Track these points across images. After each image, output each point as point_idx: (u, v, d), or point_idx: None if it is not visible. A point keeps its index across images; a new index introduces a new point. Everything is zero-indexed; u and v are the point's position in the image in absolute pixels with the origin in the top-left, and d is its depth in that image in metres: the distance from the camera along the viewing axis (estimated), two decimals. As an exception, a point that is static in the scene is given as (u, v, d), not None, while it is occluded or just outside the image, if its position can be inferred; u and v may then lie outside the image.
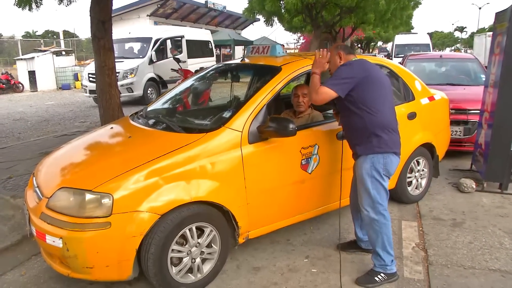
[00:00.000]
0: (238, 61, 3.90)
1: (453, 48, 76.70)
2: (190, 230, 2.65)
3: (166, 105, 3.98)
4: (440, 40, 78.70)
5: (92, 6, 5.69)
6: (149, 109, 3.83)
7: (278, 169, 2.99)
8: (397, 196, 4.13)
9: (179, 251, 2.64)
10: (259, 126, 2.85)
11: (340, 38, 20.46)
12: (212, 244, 2.81)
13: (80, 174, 2.71)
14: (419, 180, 4.35)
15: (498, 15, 4.80)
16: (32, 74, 19.86)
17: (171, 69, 10.41)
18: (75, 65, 21.98)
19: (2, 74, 19.37)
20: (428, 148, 4.29)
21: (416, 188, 4.34)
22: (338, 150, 3.28)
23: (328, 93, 2.68)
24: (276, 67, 3.26)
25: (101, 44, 5.69)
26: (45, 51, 21.55)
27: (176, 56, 10.90)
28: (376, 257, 2.89)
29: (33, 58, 20.01)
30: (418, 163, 4.25)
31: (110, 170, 2.57)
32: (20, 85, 19.63)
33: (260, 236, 3.14)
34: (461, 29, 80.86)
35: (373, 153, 2.75)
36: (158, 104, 3.97)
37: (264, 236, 3.19)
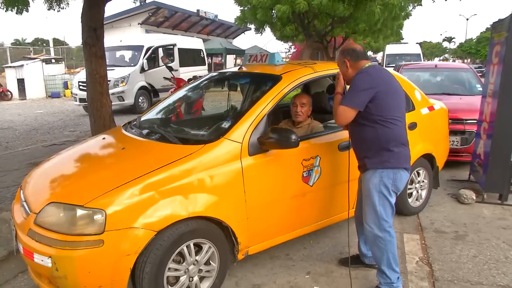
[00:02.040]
0: (236, 69, 3.78)
1: (441, 58, 77.69)
2: (187, 247, 2.51)
3: (161, 115, 3.85)
4: (429, 50, 79.63)
5: (83, 12, 5.56)
6: (143, 118, 3.70)
7: (279, 181, 2.87)
8: (398, 208, 3.99)
9: (176, 270, 2.49)
10: (259, 137, 2.74)
11: (331, 48, 20.52)
12: (211, 261, 2.67)
13: (71, 188, 2.56)
14: (419, 191, 4.26)
15: (496, 25, 4.77)
16: (21, 82, 19.54)
17: (164, 77, 10.29)
18: (65, 73, 21.71)
19: (-10, 82, 19.06)
20: (428, 159, 4.21)
21: (416, 199, 4.25)
22: (340, 161, 3.18)
23: (347, 112, 2.56)
24: (277, 75, 3.15)
25: (93, 51, 5.55)
26: (34, 58, 21.28)
27: (168, 65, 10.76)
28: (382, 275, 2.77)
29: (22, 66, 19.72)
30: (418, 174, 4.17)
31: (103, 184, 2.43)
32: (9, 93, 19.32)
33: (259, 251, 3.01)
34: (449, 39, 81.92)
35: (384, 168, 2.62)
36: (152, 114, 3.83)
37: (263, 251, 3.06)
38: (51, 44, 30.33)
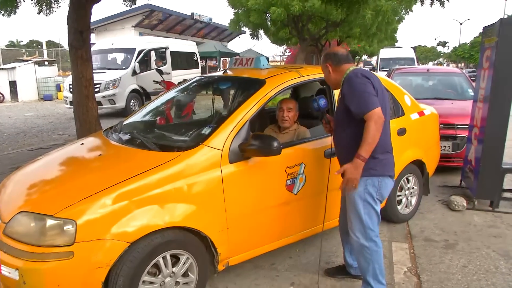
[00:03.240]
0: (220, 73, 3.68)
1: (435, 62, 78.11)
2: (163, 258, 2.40)
3: (144, 119, 3.74)
4: (423, 54, 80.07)
5: (69, 14, 5.46)
6: (125, 122, 3.59)
7: (261, 190, 2.77)
8: (387, 215, 3.94)
9: (151, 283, 2.38)
10: (241, 144, 2.64)
11: (325, 51, 20.48)
12: (189, 273, 2.56)
13: (42, 197, 2.44)
14: (409, 198, 4.18)
15: (486, 29, 4.71)
16: (13, 84, 19.42)
17: (154, 81, 10.18)
18: (58, 76, 21.56)
19: (-19, 84, 18.87)
20: (418, 165, 4.13)
21: (406, 206, 4.17)
22: (326, 168, 3.09)
23: (379, 113, 2.39)
24: (260, 80, 3.06)
25: (79, 54, 5.44)
26: (27, 61, 21.11)
27: (160, 68, 10.65)
28: (367, 286, 2.67)
29: (14, 68, 19.57)
30: (408, 180, 4.08)
31: (75, 192, 2.32)
32: (0, 95, 19.15)
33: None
34: (443, 43, 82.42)
35: (368, 175, 2.52)
36: (136, 118, 3.72)
37: (247, 260, 2.96)
38: (44, 46, 30.14)
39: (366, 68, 2.87)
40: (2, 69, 19.97)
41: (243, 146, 2.62)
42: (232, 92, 3.67)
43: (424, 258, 3.39)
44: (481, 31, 4.89)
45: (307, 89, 4.38)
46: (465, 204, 4.55)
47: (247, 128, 2.71)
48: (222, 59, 12.86)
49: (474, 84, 6.39)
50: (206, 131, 2.69)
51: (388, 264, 3.27)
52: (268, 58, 32.88)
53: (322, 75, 3.20)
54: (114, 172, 2.47)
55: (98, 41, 16.67)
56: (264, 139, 2.55)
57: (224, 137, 2.61)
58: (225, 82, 3.67)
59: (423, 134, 4.22)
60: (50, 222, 2.19)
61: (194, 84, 3.82)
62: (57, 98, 19.61)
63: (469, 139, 4.99)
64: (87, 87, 5.53)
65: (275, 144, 2.51)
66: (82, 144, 3.20)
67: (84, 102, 5.55)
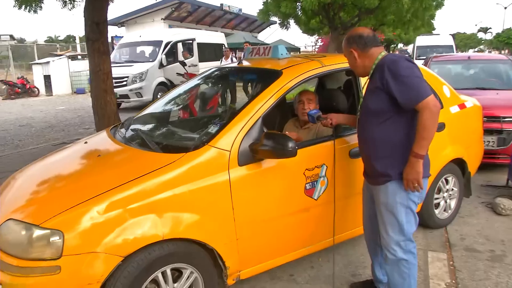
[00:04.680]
0: (235, 64, 3.36)
1: (476, 49, 74.66)
2: (163, 273, 2.13)
3: (157, 113, 3.47)
4: (463, 41, 76.65)
5: (86, 6, 5.28)
6: (136, 117, 3.35)
7: (276, 196, 2.45)
8: (423, 220, 3.51)
9: (149, 301, 2.12)
10: (252, 144, 2.32)
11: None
12: (194, 289, 2.28)
13: (33, 204, 2.22)
14: (448, 201, 3.74)
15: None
16: (47, 78, 19.86)
17: (177, 73, 10.00)
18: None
19: (18, 78, 19.40)
20: (458, 164, 3.68)
21: (444, 210, 3.74)
22: (352, 170, 2.74)
23: (435, 101, 2.05)
24: (276, 70, 2.72)
25: (96, 47, 5.26)
26: (60, 55, 21.55)
27: (184, 60, 10.47)
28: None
29: (48, 62, 20.01)
30: (447, 181, 3.65)
31: (65, 199, 2.08)
32: (36, 89, 19.63)
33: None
34: (485, 30, 78.50)
35: None
36: (149, 112, 3.45)
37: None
38: (77, 40, 30.72)
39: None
40: (37, 63, 20.48)
41: (255, 146, 2.30)
42: (246, 85, 3.33)
43: (465, 272, 2.98)
44: None
45: (334, 80, 4.00)
46: (513, 208, 4.06)
47: (260, 126, 2.38)
48: (224, 49, 12.69)
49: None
50: (212, 129, 2.40)
51: (423, 278, 2.88)
52: (299, 48, 32.25)
53: (347, 65, 2.85)
54: (109, 176, 2.21)
55: (128, 34, 16.72)
56: (277, 139, 2.22)
57: (233, 137, 2.30)
58: (237, 74, 3.36)
59: (465, 129, 3.76)
60: (36, 232, 1.96)
61: (206, 76, 3.51)
62: (89, 92, 19.90)
63: (518, 134, 4.47)
64: (105, 81, 5.36)
65: (290, 144, 2.18)
66: (85, 143, 2.97)
67: (102, 96, 5.39)
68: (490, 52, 54.80)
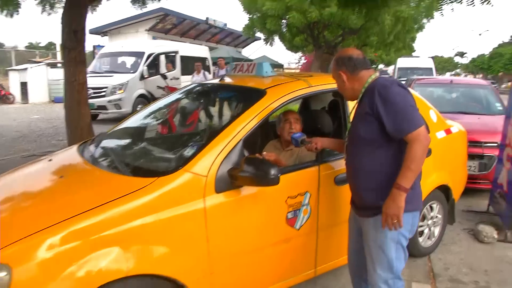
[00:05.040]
0: (217, 80, 3.19)
1: (453, 73, 76.69)
2: (127, 312, 1.91)
3: (133, 128, 3.24)
4: (441, 64, 78.62)
5: (64, 13, 5.07)
6: (110, 132, 3.13)
7: (255, 226, 2.27)
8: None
9: None
10: (231, 169, 2.14)
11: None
12: (162, 328, 2.06)
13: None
14: (432, 228, 3.63)
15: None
16: (24, 85, 19.32)
17: (157, 86, 9.75)
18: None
19: (-8, 84, 18.82)
20: (443, 191, 3.58)
21: (428, 238, 3.62)
22: (337, 198, 2.58)
23: (425, 133, 1.94)
24: (260, 90, 2.56)
25: (72, 56, 5.04)
26: (39, 62, 21.04)
27: (168, 73, 10.24)
28: None
29: (25, 69, 19.49)
30: (431, 208, 3.54)
31: (17, 228, 1.85)
32: (11, 96, 19.05)
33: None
34: (461, 54, 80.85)
35: (404, 211, 1.98)
36: (124, 126, 3.22)
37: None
38: (58, 48, 30.16)
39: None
40: (14, 70, 19.92)
41: (234, 172, 2.12)
42: (227, 103, 3.15)
43: (451, 307, 2.85)
44: (503, 42, 4.33)
45: (318, 100, 3.88)
46: (495, 236, 3.97)
47: (240, 149, 2.21)
48: (218, 58, 12.44)
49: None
50: (188, 152, 2.21)
51: (408, 314, 2.73)
52: (283, 65, 32.34)
53: (334, 85, 2.72)
54: (70, 202, 1.99)
55: (108, 44, 16.44)
56: (259, 165, 2.05)
57: (211, 161, 2.12)
58: (219, 91, 3.19)
59: (450, 155, 3.68)
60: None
61: (186, 92, 3.32)
62: (67, 101, 19.39)
63: (500, 160, 4.43)
64: (80, 92, 5.12)
65: (272, 172, 2.01)
66: (50, 160, 2.74)
67: (76, 108, 5.14)
68: (466, 76, 56.35)
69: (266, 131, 3.44)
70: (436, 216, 3.63)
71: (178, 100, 3.26)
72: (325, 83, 2.85)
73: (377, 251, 2.12)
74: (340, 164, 2.61)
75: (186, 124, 2.97)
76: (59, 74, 20.59)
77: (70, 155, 2.77)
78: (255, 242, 2.28)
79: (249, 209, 2.23)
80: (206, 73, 10.92)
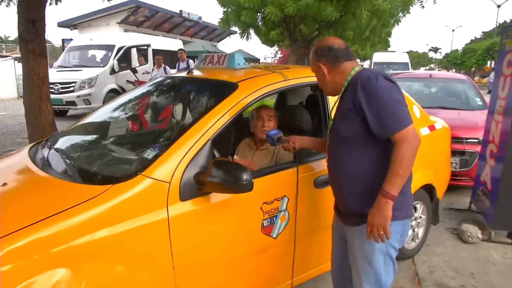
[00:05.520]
0: (184, 74, 2.90)
1: (427, 67, 78.13)
2: None
3: (94, 126, 2.91)
4: (415, 59, 79.91)
5: (19, 1, 4.65)
6: (67, 130, 2.80)
7: (227, 236, 2.01)
8: (390, 252, 3.20)
9: None
10: (197, 173, 1.87)
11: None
12: None
13: None
14: (416, 229, 3.46)
15: (508, 29, 4.01)
16: (-11, 80, 18.44)
17: (127, 80, 9.33)
18: (39, 73, 20.58)
19: (-47, 81, 17.89)
20: (427, 190, 3.41)
21: (412, 239, 3.45)
22: (317, 202, 2.36)
23: (414, 132, 1.71)
24: (231, 83, 2.29)
25: (30, 48, 4.64)
26: (6, 56, 20.13)
27: (140, 67, 9.79)
28: None
29: (-8, 63, 18.60)
30: (415, 209, 3.36)
31: None
32: (-25, 92, 18.17)
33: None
34: (435, 49, 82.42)
35: (393, 219, 1.75)
36: (84, 122, 2.89)
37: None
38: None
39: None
40: (-22, 64, 19.00)
41: (201, 177, 1.85)
42: (194, 99, 2.84)
43: (439, 315, 2.67)
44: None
45: (296, 95, 3.65)
46: (479, 236, 3.83)
47: (209, 150, 1.94)
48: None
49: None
50: (149, 154, 1.92)
51: (394, 325, 2.54)
52: (259, 59, 32.07)
53: (313, 79, 2.48)
54: (9, 216, 1.68)
55: (77, 37, 15.83)
56: (229, 169, 1.79)
57: (174, 164, 1.84)
58: (185, 86, 2.89)
59: (434, 153, 3.51)
60: None
61: (152, 87, 3.02)
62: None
63: (483, 156, 4.29)
64: (40, 87, 4.73)
65: (245, 177, 1.75)
66: (-6, 164, 2.41)
67: (36, 104, 4.75)
68: (439, 70, 57.38)
69: (240, 129, 3.17)
70: (420, 217, 3.46)
71: (139, 97, 2.94)
72: (303, 76, 2.61)
73: (363, 263, 1.90)
74: (320, 165, 2.38)
75: (148, 123, 2.66)
76: (27, 68, 19.83)
77: (19, 158, 2.44)
78: (228, 254, 2.02)
79: (219, 218, 1.97)
80: (167, 67, 10.29)
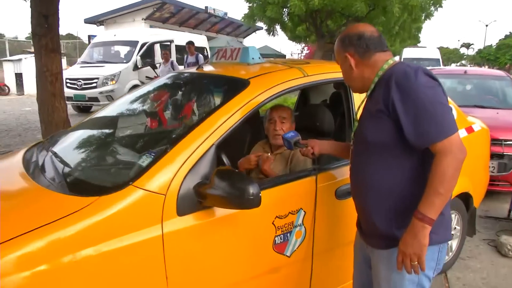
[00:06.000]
0: (194, 69, 2.65)
1: (458, 64, 75.75)
2: None
3: (101, 123, 2.69)
4: (446, 55, 77.55)
5: (32, -4, 4.53)
6: (72, 129, 2.61)
7: (233, 256, 1.75)
8: (420, 267, 2.88)
9: None
10: (198, 184, 1.62)
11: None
12: None
13: None
14: (449, 242, 3.12)
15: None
16: (19, 76, 18.85)
17: (146, 77, 9.18)
18: (67, 69, 20.91)
19: (-15, 76, 18.39)
20: (463, 199, 3.07)
21: (445, 253, 3.11)
22: (337, 215, 2.07)
23: (460, 142, 1.41)
24: (241, 80, 2.03)
25: (43, 43, 4.52)
26: (33, 53, 20.52)
27: (155, 63, 9.59)
28: None
29: (20, 60, 18.97)
30: (449, 220, 3.02)
31: None
32: (6, 87, 18.61)
33: None
34: (467, 45, 79.73)
35: (429, 244, 1.44)
36: (91, 119, 2.68)
37: None
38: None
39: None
40: (8, 60, 19.42)
41: (202, 189, 1.60)
42: (199, 98, 2.56)
43: None
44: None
45: (320, 93, 3.36)
46: (521, 249, 3.46)
47: (211, 158, 1.68)
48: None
49: None
50: (143, 161, 1.68)
51: None
52: (285, 56, 31.65)
53: (336, 75, 2.20)
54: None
55: (101, 33, 15.91)
56: (234, 181, 1.53)
57: (171, 174, 1.59)
58: (191, 83, 2.64)
59: (472, 158, 3.09)
60: None
61: (159, 84, 2.78)
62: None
63: (525, 161, 3.90)
64: (53, 83, 4.60)
65: (251, 190, 1.49)
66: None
67: (49, 101, 4.63)
68: (471, 67, 55.48)
69: (256, 129, 2.90)
70: (454, 228, 3.12)
71: (143, 96, 2.69)
72: (326, 71, 2.32)
73: None
74: (343, 173, 2.09)
75: (148, 124, 2.43)
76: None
77: (13, 161, 2.25)
78: (233, 276, 1.77)
79: (223, 235, 1.71)
80: (175, 62, 9.86)
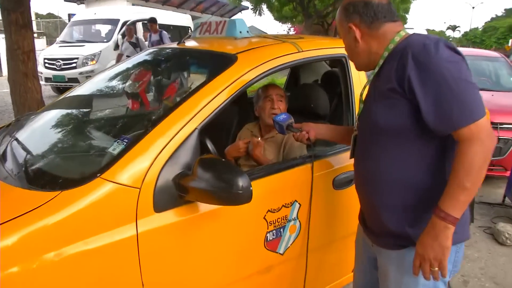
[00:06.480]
0: (174, 45, 2.39)
1: (444, 46, 76.08)
2: None
3: (74, 103, 2.40)
4: (432, 38, 77.51)
5: (0, -35, 4.15)
6: (39, 111, 2.33)
7: (218, 255, 1.54)
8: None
9: None
10: (178, 175, 1.40)
11: (332, 31, 19.09)
12: None
13: None
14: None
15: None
16: (-5, 56, 18.09)
17: (126, 55, 8.76)
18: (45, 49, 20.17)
19: (-41, 56, 17.58)
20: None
21: (442, 242, 2.96)
22: (335, 207, 1.87)
23: (489, 127, 1.18)
24: (227, 55, 1.78)
25: (12, 19, 4.15)
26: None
27: (132, 41, 9.14)
28: None
29: (-4, 38, 18.22)
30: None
31: None
32: (-18, 69, 17.87)
33: None
34: (453, 27, 79.90)
35: None
36: (63, 100, 2.40)
37: None
38: (33, 17, 28.53)
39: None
40: (-16, 40, 18.64)
41: (183, 180, 1.38)
42: (180, 77, 2.30)
43: None
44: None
45: (312, 72, 3.13)
46: (519, 237, 3.34)
47: (194, 144, 1.45)
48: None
49: None
50: (114, 149, 1.44)
51: None
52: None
53: (333, 51, 1.98)
54: None
55: (81, 11, 15.31)
56: (220, 172, 1.31)
57: (146, 164, 1.36)
58: (171, 59, 2.38)
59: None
60: None
61: (138, 60, 2.51)
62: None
63: (522, 145, 3.77)
64: (25, 62, 4.26)
65: (241, 183, 1.27)
66: None
67: (21, 81, 4.30)
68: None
69: (244, 111, 2.67)
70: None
71: (121, 73, 2.41)
72: (321, 47, 2.08)
73: None
74: (341, 160, 1.89)
75: (130, 106, 2.16)
76: (38, 44, 19.40)
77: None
78: (220, 278, 1.56)
79: (208, 233, 1.49)
80: (140, 38, 9.26)
